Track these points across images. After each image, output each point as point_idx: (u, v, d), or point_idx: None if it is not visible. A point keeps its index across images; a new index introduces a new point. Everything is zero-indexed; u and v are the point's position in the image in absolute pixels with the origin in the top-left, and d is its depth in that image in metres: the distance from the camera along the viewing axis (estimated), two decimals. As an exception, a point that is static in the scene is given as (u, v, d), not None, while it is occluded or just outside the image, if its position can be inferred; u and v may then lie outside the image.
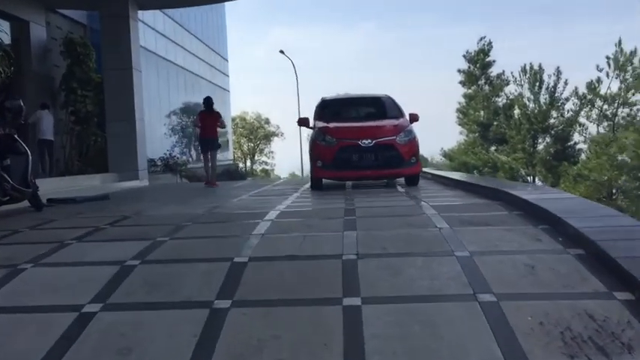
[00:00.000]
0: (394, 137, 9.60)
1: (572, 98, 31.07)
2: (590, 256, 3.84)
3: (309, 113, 11.74)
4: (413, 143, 9.85)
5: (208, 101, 12.83)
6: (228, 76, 32.10)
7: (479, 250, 4.20)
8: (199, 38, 26.82)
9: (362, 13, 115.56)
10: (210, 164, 12.87)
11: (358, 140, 9.53)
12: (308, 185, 11.16)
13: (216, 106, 27.76)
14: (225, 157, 28.75)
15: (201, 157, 13.51)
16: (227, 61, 32.27)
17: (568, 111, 31.62)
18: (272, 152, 49.06)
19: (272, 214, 6.34)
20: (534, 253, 4.07)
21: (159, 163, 18.57)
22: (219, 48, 30.91)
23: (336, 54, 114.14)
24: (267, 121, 49.26)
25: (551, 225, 4.77)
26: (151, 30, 20.06)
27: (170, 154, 19.69)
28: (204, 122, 12.55)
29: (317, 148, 9.89)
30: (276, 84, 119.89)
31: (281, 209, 6.86)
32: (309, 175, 11.07)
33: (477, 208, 6.17)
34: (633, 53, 27.78)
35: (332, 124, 10.10)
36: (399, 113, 10.64)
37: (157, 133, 19.70)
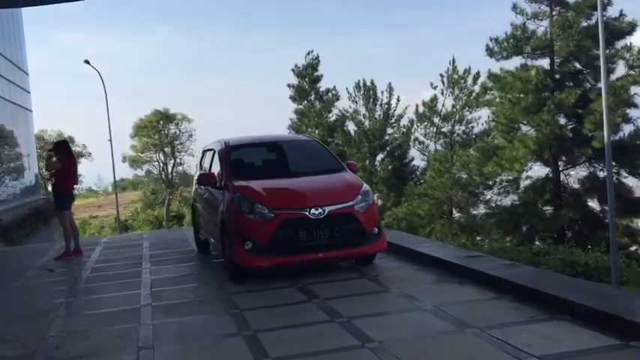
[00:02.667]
0: (351, 203, 6.95)
1: (408, 114, 31.09)
2: None
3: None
4: (373, 209, 7.30)
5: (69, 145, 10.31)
6: (29, 92, 26.41)
7: None
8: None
9: (159, 17, 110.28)
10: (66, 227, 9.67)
11: (304, 210, 6.74)
12: (195, 264, 8.08)
13: (19, 130, 22.35)
14: (35, 191, 23.49)
15: (59, 216, 9.79)
16: (27, 74, 26.57)
17: (403, 126, 31.61)
18: (80, 175, 42.70)
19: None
20: None
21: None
22: (17, 58, 25.22)
23: (135, 61, 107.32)
24: (72, 140, 42.93)
25: None
26: None
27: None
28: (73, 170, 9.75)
29: (242, 223, 6.79)
30: (68, 96, 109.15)
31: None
32: (221, 256, 7.58)
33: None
34: (467, 71, 28.30)
35: (258, 186, 7.09)
36: (338, 164, 8.02)
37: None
